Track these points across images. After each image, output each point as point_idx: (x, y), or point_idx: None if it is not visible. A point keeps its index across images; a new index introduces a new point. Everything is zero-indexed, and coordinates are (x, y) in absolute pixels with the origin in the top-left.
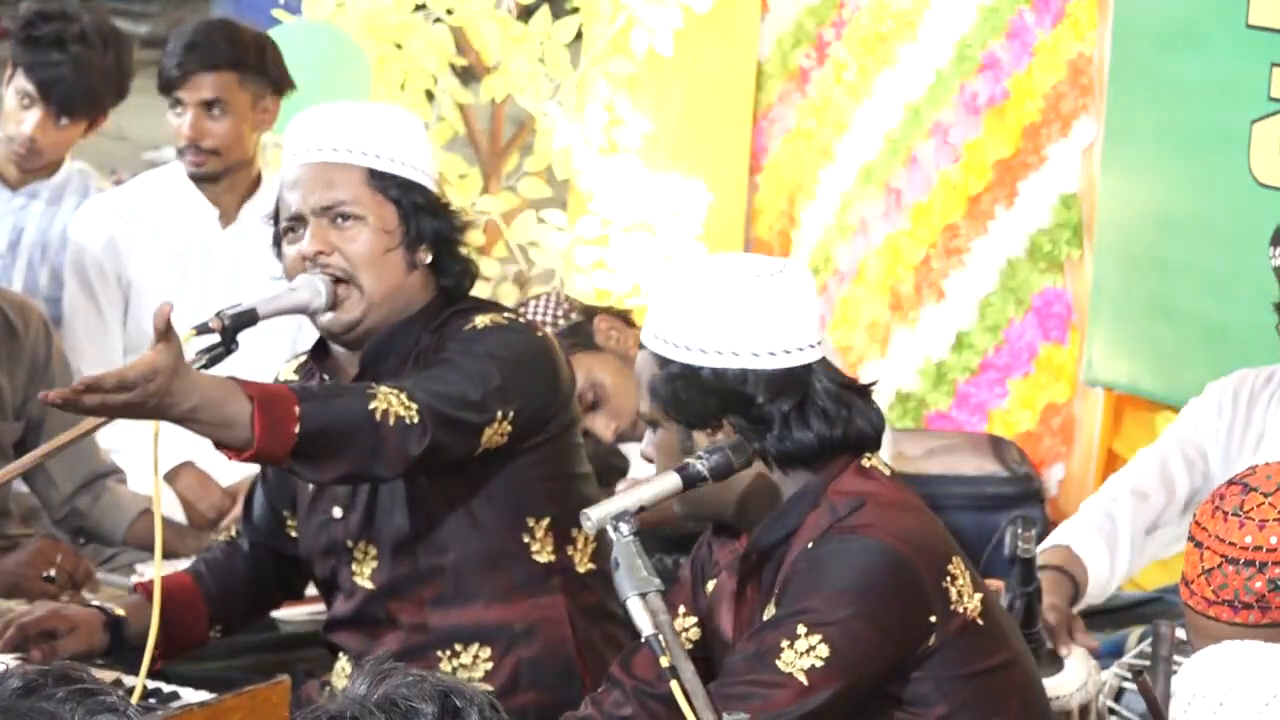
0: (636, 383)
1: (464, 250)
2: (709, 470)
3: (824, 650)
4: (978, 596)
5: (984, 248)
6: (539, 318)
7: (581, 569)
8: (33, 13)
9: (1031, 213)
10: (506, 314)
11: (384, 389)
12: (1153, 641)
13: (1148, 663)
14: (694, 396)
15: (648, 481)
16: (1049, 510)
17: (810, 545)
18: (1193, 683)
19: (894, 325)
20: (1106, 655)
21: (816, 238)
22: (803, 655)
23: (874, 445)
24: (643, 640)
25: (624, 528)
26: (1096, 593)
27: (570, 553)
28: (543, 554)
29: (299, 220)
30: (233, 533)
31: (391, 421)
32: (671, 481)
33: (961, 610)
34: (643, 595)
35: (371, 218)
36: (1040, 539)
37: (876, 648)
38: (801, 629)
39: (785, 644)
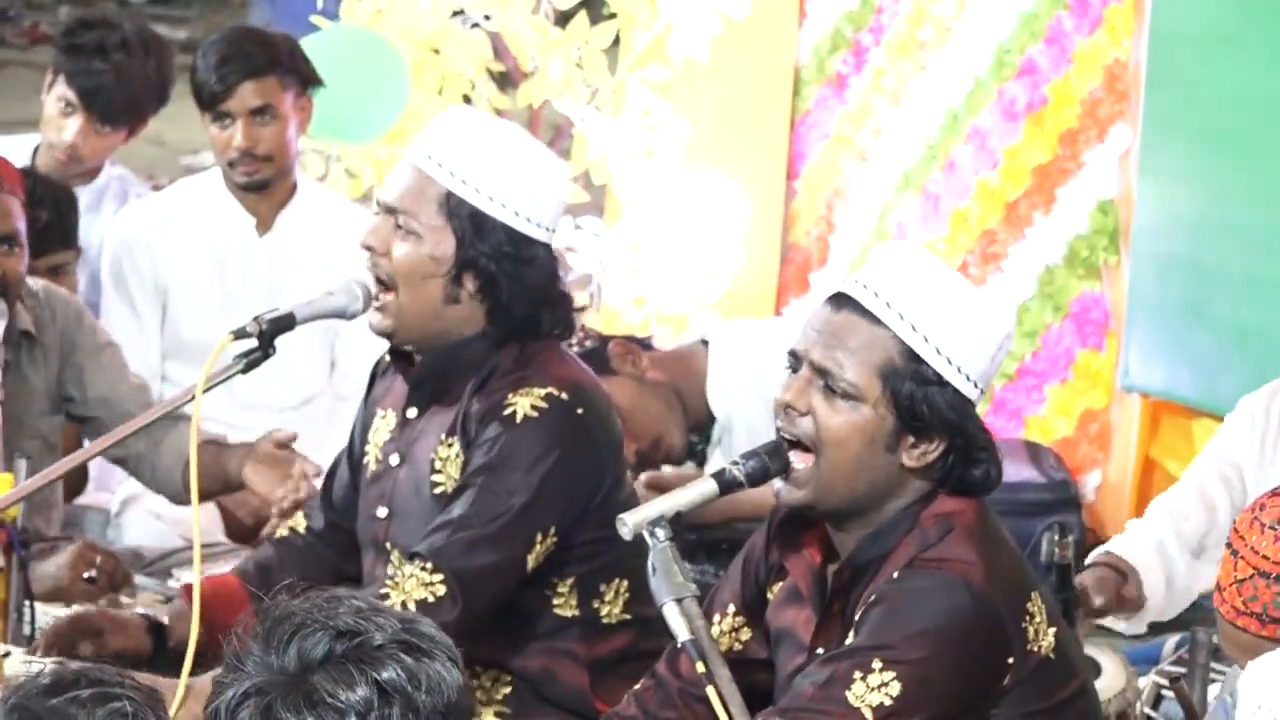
0: (850, 347)
1: (530, 297)
2: (745, 476)
3: (895, 688)
4: (1052, 631)
5: (1022, 254)
6: None
7: (610, 620)
8: (75, 20)
9: (1069, 219)
10: (550, 387)
11: (404, 571)
12: (1190, 648)
13: (1185, 670)
14: (935, 409)
15: (683, 488)
16: (1086, 517)
17: (895, 575)
18: (1259, 692)
19: None
20: (1144, 662)
21: (854, 244)
22: (873, 690)
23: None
24: (679, 645)
25: (660, 533)
26: (1156, 597)
27: (595, 605)
28: (565, 609)
29: (379, 207)
30: (293, 527)
31: (414, 610)
32: (708, 487)
33: (1037, 649)
34: (679, 601)
35: (428, 240)
36: (1077, 546)
37: (949, 690)
38: (877, 664)
39: (858, 675)
